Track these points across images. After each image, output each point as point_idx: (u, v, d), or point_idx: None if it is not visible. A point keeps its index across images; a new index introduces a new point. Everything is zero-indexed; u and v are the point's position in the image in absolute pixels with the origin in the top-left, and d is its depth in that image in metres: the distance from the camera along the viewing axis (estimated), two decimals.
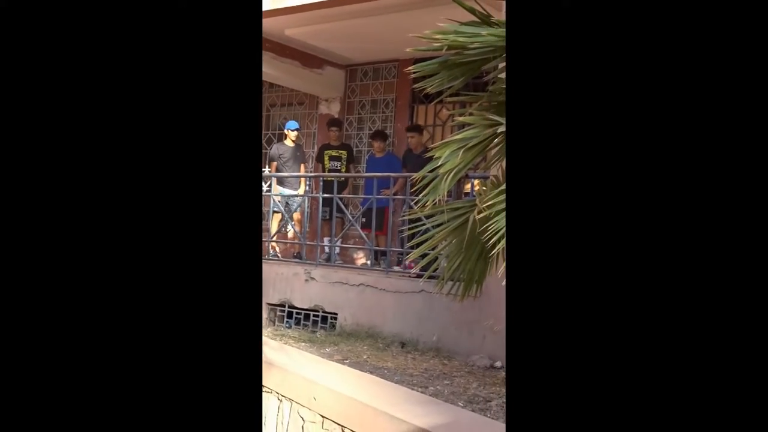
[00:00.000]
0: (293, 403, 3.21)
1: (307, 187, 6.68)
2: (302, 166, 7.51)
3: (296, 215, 6.99)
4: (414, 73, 2.97)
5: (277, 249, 7.19)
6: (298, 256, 6.82)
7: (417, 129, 7.01)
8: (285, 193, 7.03)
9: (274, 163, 7.37)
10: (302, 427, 3.12)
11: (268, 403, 3.40)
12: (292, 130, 7.40)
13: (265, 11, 6.29)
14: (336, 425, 2.87)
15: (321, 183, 6.58)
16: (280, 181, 7.12)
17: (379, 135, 7.31)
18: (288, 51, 7.67)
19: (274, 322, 5.82)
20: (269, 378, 3.43)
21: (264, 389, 3.45)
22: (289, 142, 7.42)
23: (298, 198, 7.11)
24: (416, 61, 3.18)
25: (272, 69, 7.66)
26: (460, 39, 2.76)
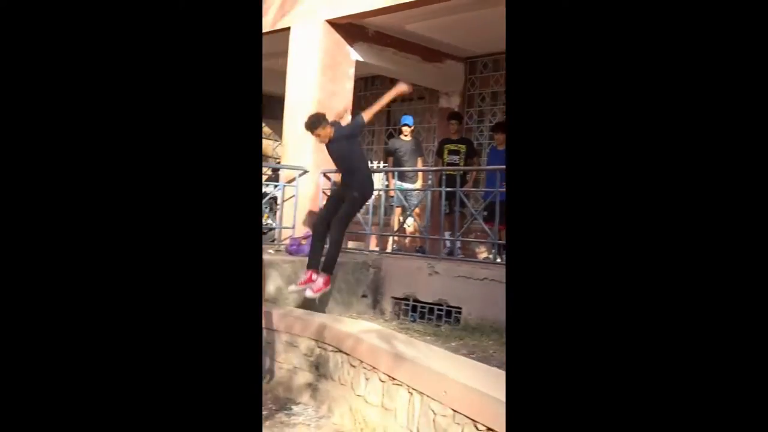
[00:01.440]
0: (424, 396, 3.23)
1: (429, 182, 6.69)
2: (419, 160, 7.53)
3: (416, 210, 7.03)
4: None
5: (402, 243, 7.27)
6: (421, 250, 6.85)
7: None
8: (403, 188, 7.08)
9: (391, 158, 7.43)
10: (433, 420, 3.13)
11: (399, 396, 3.45)
12: (408, 125, 7.43)
13: (386, 7, 6.37)
14: (468, 419, 2.86)
15: (443, 177, 6.57)
16: (399, 176, 7.18)
17: (501, 127, 7.21)
18: (408, 46, 7.71)
19: (398, 316, 5.88)
20: (399, 371, 3.47)
21: (394, 382, 3.49)
22: (405, 137, 7.46)
23: (417, 192, 7.15)
24: None
25: (393, 64, 7.74)
26: None
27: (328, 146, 5.31)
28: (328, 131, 5.26)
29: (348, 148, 5.20)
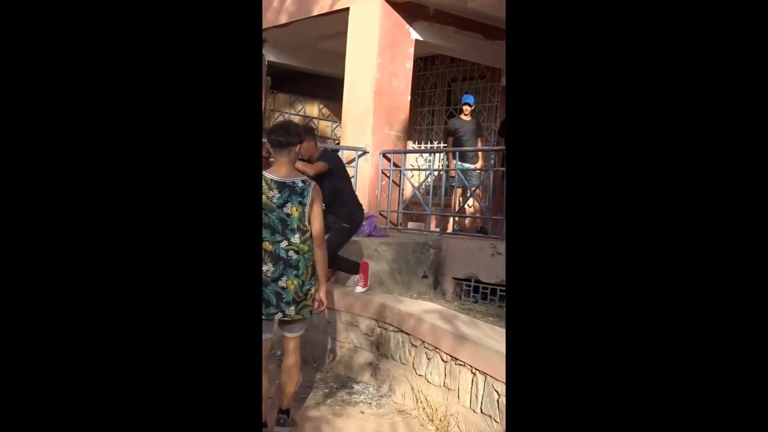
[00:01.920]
0: (487, 377, 3.18)
1: (492, 161, 6.57)
2: (480, 140, 7.41)
3: (477, 190, 6.93)
4: None
5: (463, 223, 7.18)
6: (482, 230, 6.75)
7: None
8: (464, 168, 6.98)
9: (450, 138, 7.32)
10: (497, 401, 3.08)
11: (461, 376, 3.40)
12: (469, 105, 7.30)
13: None
14: None
15: (505, 157, 6.44)
16: (460, 156, 7.08)
17: None
18: (470, 24, 7.57)
19: (460, 297, 5.82)
20: (461, 351, 3.42)
21: (456, 362, 3.45)
22: (465, 117, 7.33)
23: (478, 173, 7.03)
24: None
25: (453, 43, 7.62)
26: None
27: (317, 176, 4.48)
28: (312, 149, 4.68)
29: (340, 183, 4.86)
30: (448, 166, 7.16)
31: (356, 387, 4.16)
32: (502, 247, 5.66)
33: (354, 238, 5.80)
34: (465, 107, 7.30)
